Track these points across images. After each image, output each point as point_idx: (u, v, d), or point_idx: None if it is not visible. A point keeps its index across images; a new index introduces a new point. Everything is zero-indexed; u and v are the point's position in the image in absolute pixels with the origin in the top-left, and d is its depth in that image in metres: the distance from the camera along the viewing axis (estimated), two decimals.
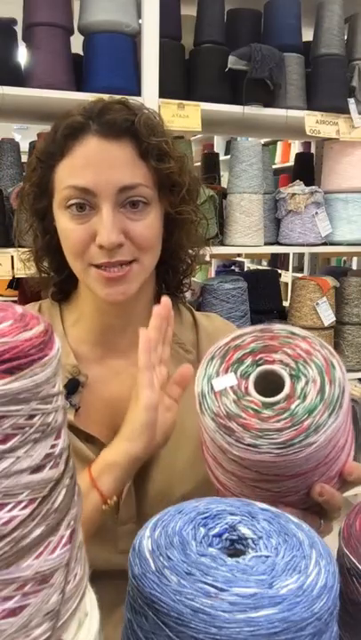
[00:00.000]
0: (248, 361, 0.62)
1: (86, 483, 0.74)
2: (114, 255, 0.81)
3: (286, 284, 4.58)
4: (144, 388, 0.72)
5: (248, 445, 0.56)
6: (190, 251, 0.96)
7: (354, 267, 3.91)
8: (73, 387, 0.87)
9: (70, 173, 0.82)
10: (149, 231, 0.85)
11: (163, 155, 0.85)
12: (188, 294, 1.11)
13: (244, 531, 0.47)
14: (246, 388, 0.60)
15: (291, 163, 4.06)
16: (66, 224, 0.83)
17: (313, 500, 0.61)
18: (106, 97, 0.90)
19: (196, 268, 1.00)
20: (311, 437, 0.55)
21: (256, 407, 0.58)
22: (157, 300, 0.96)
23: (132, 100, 0.90)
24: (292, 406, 0.57)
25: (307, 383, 0.58)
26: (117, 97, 0.89)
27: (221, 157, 3.33)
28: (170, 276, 0.96)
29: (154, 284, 0.95)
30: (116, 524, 0.85)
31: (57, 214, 0.85)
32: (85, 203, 0.81)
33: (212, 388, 0.61)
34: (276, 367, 0.60)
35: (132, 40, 1.83)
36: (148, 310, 0.94)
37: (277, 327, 0.64)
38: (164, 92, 1.84)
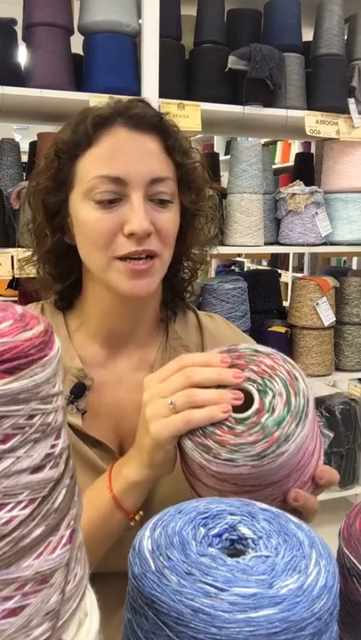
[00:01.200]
0: None
1: (107, 500, 0.74)
2: (142, 244, 0.81)
3: (286, 283, 4.58)
4: None
5: (225, 460, 0.59)
6: (196, 256, 0.96)
7: (354, 267, 3.91)
8: (79, 391, 0.86)
9: (100, 163, 0.81)
10: (173, 224, 0.85)
11: (186, 152, 0.87)
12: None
13: (244, 531, 0.47)
14: None
15: (291, 163, 4.06)
16: (90, 214, 0.81)
17: (290, 506, 0.63)
18: (109, 98, 0.90)
19: (198, 269, 1.00)
20: (283, 447, 0.59)
21: (230, 424, 0.62)
22: (163, 306, 0.96)
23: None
24: (263, 420, 0.60)
25: (274, 397, 0.62)
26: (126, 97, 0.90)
27: (221, 157, 3.34)
28: (177, 280, 0.96)
29: (161, 289, 0.95)
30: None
31: (77, 206, 0.83)
32: (115, 192, 0.80)
33: None
34: (245, 384, 0.64)
35: (132, 40, 1.83)
36: (153, 315, 0.94)
37: (242, 347, 0.68)
38: (164, 92, 1.84)
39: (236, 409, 0.63)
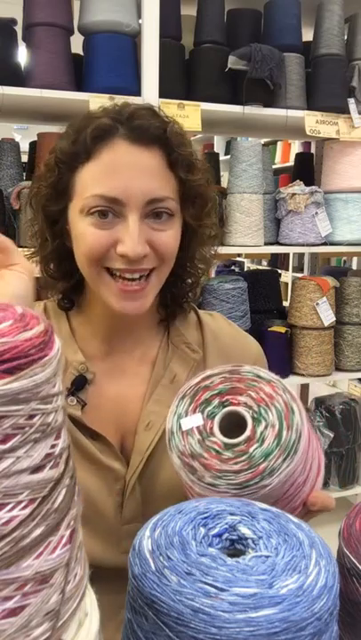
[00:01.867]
0: (215, 402, 0.65)
1: None
2: (136, 264, 0.80)
3: (286, 283, 4.58)
4: None
5: (208, 484, 0.60)
6: (199, 263, 0.95)
7: (354, 267, 3.91)
8: (80, 383, 0.87)
9: (97, 180, 0.79)
10: (172, 242, 0.83)
11: (191, 166, 0.84)
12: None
13: (244, 531, 0.47)
14: (211, 429, 0.63)
15: (291, 163, 4.06)
16: (86, 229, 0.81)
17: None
18: (116, 97, 0.88)
19: (202, 276, 0.98)
20: (266, 480, 0.58)
21: (218, 448, 0.62)
22: (162, 309, 0.96)
23: (155, 107, 0.88)
24: (251, 449, 0.60)
25: (266, 427, 0.61)
26: (142, 103, 0.87)
27: (221, 157, 3.33)
28: (177, 287, 0.95)
29: (158, 295, 0.93)
30: (121, 522, 0.86)
31: (74, 219, 0.83)
32: (109, 210, 0.79)
33: (180, 426, 0.65)
34: (241, 409, 0.64)
35: (132, 40, 1.83)
36: (152, 317, 0.94)
37: (245, 369, 0.67)
38: (164, 92, 1.84)
39: (229, 433, 0.62)
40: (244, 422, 0.62)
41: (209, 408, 0.65)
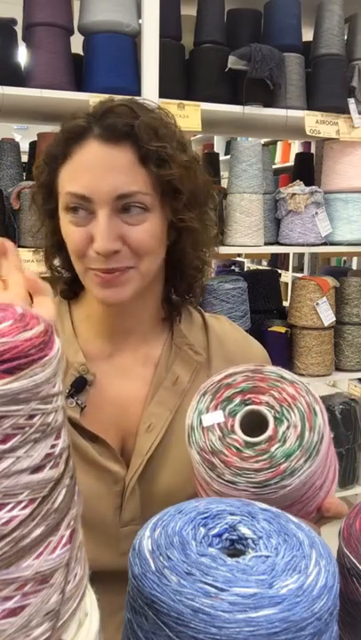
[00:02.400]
0: (237, 400, 0.65)
1: None
2: (109, 262, 0.81)
3: (286, 284, 4.58)
4: None
5: (227, 482, 0.60)
6: (196, 256, 0.94)
7: (354, 267, 3.91)
8: (80, 385, 0.87)
9: (70, 179, 0.82)
10: (146, 237, 0.83)
11: (163, 160, 0.83)
12: None
13: (244, 531, 0.47)
14: (232, 426, 0.63)
15: (291, 163, 4.06)
16: (67, 226, 0.84)
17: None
18: (117, 97, 0.89)
19: (206, 271, 0.98)
20: (286, 480, 0.58)
21: (239, 446, 0.62)
22: (165, 304, 0.96)
23: (148, 101, 0.89)
24: (272, 449, 0.60)
25: (288, 427, 0.61)
26: (125, 97, 0.89)
27: (221, 157, 3.33)
28: (177, 279, 0.95)
29: (160, 288, 0.94)
30: (119, 524, 0.85)
31: (61, 215, 0.86)
32: (79, 207, 0.81)
33: (200, 422, 0.65)
34: (263, 408, 0.64)
35: (132, 40, 1.83)
36: (154, 313, 0.94)
37: (268, 369, 0.67)
38: (164, 92, 1.84)
39: (249, 432, 0.62)
40: (265, 422, 0.62)
41: (230, 406, 0.65)
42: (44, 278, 0.97)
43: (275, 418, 0.62)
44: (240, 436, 0.62)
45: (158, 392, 0.89)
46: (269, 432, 0.61)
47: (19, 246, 1.76)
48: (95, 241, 0.80)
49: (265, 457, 0.60)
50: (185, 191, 0.85)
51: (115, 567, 0.70)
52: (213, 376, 0.69)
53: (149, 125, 0.82)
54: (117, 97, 0.90)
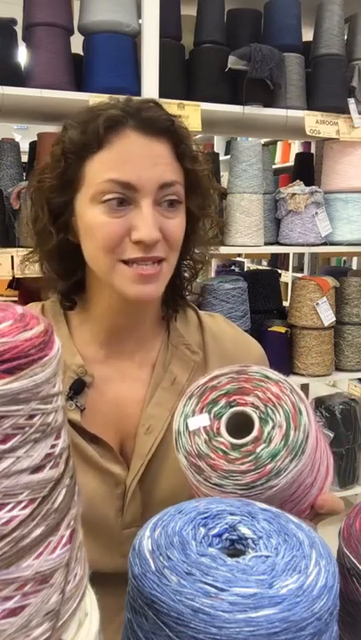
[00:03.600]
0: (222, 402, 0.65)
1: None
2: (150, 251, 0.80)
3: (286, 284, 4.58)
4: None
5: (214, 485, 0.59)
6: (199, 254, 0.96)
7: (354, 267, 3.91)
8: (79, 387, 0.86)
9: (110, 167, 0.80)
10: (180, 230, 0.85)
11: (196, 158, 0.87)
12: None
13: (244, 531, 0.47)
14: (218, 429, 0.63)
15: (291, 163, 4.06)
16: (98, 218, 0.81)
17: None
18: (109, 98, 0.88)
19: (200, 270, 0.99)
20: (272, 481, 0.58)
21: (225, 448, 0.61)
22: (164, 303, 0.95)
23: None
24: (258, 450, 0.60)
25: (273, 427, 0.61)
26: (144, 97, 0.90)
27: (221, 157, 3.33)
28: (178, 278, 0.95)
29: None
30: (121, 526, 0.85)
31: (84, 208, 0.83)
32: (124, 197, 0.80)
33: (187, 426, 0.64)
34: (248, 409, 0.63)
35: (132, 40, 1.83)
36: (155, 313, 0.94)
37: (253, 369, 0.67)
38: (164, 92, 1.84)
39: (236, 434, 0.62)
40: (252, 423, 0.62)
41: (216, 408, 0.65)
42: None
43: (260, 418, 0.62)
44: (226, 438, 0.62)
45: (157, 393, 0.89)
46: (255, 433, 0.61)
47: (18, 246, 1.76)
48: (138, 230, 0.79)
49: (251, 458, 0.59)
50: (210, 188, 0.90)
51: (115, 569, 0.70)
52: (198, 379, 0.69)
53: (182, 124, 0.86)
54: (121, 97, 0.89)
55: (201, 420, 0.64)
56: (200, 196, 0.89)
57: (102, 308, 0.90)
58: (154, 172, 0.80)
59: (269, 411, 0.62)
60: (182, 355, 0.92)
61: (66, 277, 0.92)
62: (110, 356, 0.91)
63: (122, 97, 0.87)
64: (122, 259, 0.81)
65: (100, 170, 0.81)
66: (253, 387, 0.65)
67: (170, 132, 0.83)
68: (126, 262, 0.81)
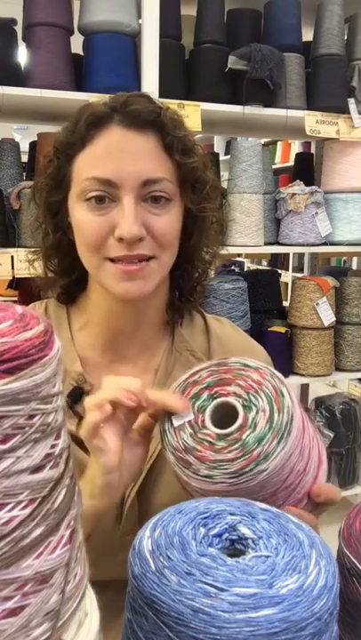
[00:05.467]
0: (204, 395, 0.65)
1: None
2: (134, 248, 0.79)
3: (286, 283, 4.58)
4: (103, 452, 0.67)
5: (204, 477, 0.59)
6: (206, 255, 0.94)
7: (354, 267, 3.91)
8: (78, 395, 0.84)
9: (91, 164, 0.80)
10: (170, 227, 0.82)
11: (187, 149, 0.83)
12: None
13: (244, 531, 0.47)
14: (203, 422, 0.63)
15: (291, 163, 4.06)
16: (83, 215, 0.80)
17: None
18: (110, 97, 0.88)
19: (209, 273, 0.97)
20: (261, 465, 0.57)
21: (211, 439, 0.61)
22: (169, 307, 0.93)
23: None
24: (244, 436, 0.60)
25: (257, 413, 0.61)
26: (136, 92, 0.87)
27: (221, 157, 3.33)
28: (184, 281, 0.94)
29: (167, 291, 0.92)
30: (119, 534, 0.84)
31: (73, 207, 0.83)
32: (106, 195, 0.79)
33: (171, 423, 0.64)
34: (231, 399, 0.63)
35: (132, 40, 1.83)
36: (158, 317, 0.92)
37: (232, 360, 0.67)
38: (164, 92, 1.84)
39: (222, 425, 0.62)
40: (236, 412, 0.62)
41: (198, 402, 0.65)
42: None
43: (243, 406, 0.62)
44: (211, 429, 0.62)
45: None
46: (240, 421, 0.61)
47: (18, 246, 1.76)
48: (119, 226, 0.78)
49: (237, 445, 0.59)
50: (206, 180, 0.86)
51: (112, 576, 0.69)
52: (179, 377, 0.69)
53: (172, 115, 0.83)
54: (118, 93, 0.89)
55: (184, 416, 0.64)
56: (196, 190, 0.86)
57: (101, 310, 0.89)
58: (135, 167, 0.78)
59: (252, 397, 0.62)
60: (186, 361, 0.90)
61: (66, 275, 0.92)
62: (113, 360, 0.90)
63: (116, 94, 0.85)
64: (107, 257, 0.80)
65: (83, 168, 0.80)
66: (234, 376, 0.65)
67: (156, 123, 0.81)
68: (112, 260, 0.80)
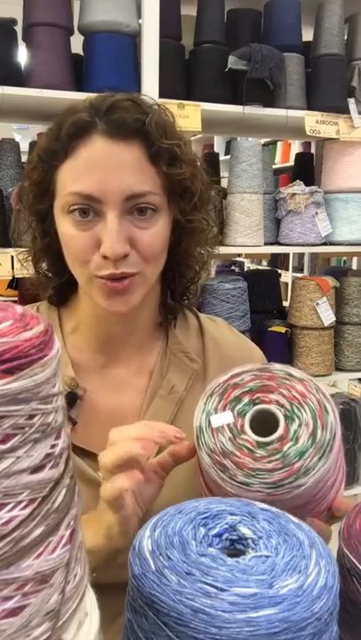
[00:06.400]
0: (246, 399, 0.64)
1: None
2: (119, 266, 0.77)
3: (286, 283, 4.58)
4: (122, 508, 0.67)
5: (240, 483, 0.59)
6: (198, 256, 0.92)
7: (354, 267, 3.91)
8: (70, 400, 0.83)
9: (74, 178, 0.77)
10: (156, 241, 0.80)
11: (174, 159, 0.80)
12: None
13: (244, 531, 0.47)
14: (242, 427, 0.62)
15: (291, 163, 4.06)
16: (68, 230, 0.78)
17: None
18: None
19: (202, 274, 0.95)
20: (301, 479, 0.57)
21: (250, 446, 0.60)
22: (162, 308, 0.92)
23: (143, 95, 0.84)
24: (285, 448, 0.59)
25: (300, 426, 0.60)
26: (126, 93, 0.82)
27: (221, 157, 3.33)
28: (176, 283, 0.92)
29: (158, 292, 0.91)
30: None
31: (58, 218, 0.81)
32: (89, 208, 0.76)
33: (209, 424, 0.63)
34: (272, 407, 0.62)
35: (132, 40, 1.83)
36: (151, 319, 0.91)
37: (276, 367, 0.66)
38: (164, 92, 1.84)
39: (260, 428, 0.61)
40: (274, 421, 0.61)
41: (239, 406, 0.63)
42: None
43: (285, 416, 0.61)
44: (251, 436, 0.61)
45: (153, 402, 0.86)
46: (280, 431, 0.60)
47: (17, 246, 1.76)
48: (103, 244, 0.75)
49: (278, 456, 0.58)
50: (194, 190, 0.83)
51: (111, 579, 0.69)
52: (219, 377, 0.67)
53: (159, 122, 0.79)
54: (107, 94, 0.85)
55: (225, 418, 0.63)
56: (185, 200, 0.83)
57: (92, 315, 0.87)
58: (119, 182, 0.75)
59: (295, 409, 0.61)
60: (180, 363, 0.89)
61: (56, 277, 0.91)
62: (106, 364, 0.89)
63: (102, 94, 0.82)
64: (95, 274, 0.78)
65: (66, 180, 0.78)
66: (277, 384, 0.64)
67: (140, 133, 0.77)
68: (100, 277, 0.79)
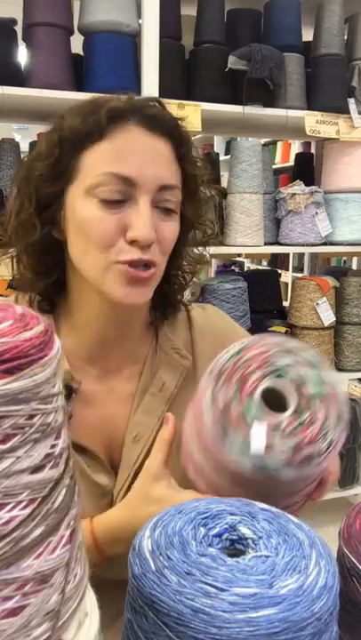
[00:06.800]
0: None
1: (87, 541, 0.73)
2: (145, 252, 0.76)
3: (286, 283, 4.58)
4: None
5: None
6: (190, 262, 0.93)
7: (354, 267, 3.91)
8: (66, 392, 0.82)
9: (111, 159, 0.76)
10: (174, 235, 0.82)
11: (195, 163, 0.84)
12: (187, 294, 1.09)
13: (244, 531, 0.47)
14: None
15: (291, 163, 4.06)
16: (92, 212, 0.76)
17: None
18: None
19: (191, 278, 0.95)
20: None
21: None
22: (153, 309, 0.92)
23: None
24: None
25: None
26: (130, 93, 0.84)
27: (221, 157, 3.33)
28: (168, 286, 0.91)
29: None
30: None
31: (77, 201, 0.77)
32: (121, 192, 0.76)
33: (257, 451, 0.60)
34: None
35: (132, 40, 1.83)
36: (142, 325, 0.90)
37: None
38: (164, 92, 1.83)
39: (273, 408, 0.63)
40: (283, 397, 0.65)
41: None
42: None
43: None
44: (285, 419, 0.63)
45: (144, 399, 0.86)
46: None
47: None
48: (134, 228, 0.75)
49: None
50: (206, 195, 0.87)
51: (111, 577, 0.68)
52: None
53: (184, 127, 0.84)
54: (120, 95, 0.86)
55: (259, 433, 0.61)
56: (197, 202, 0.87)
57: (87, 315, 0.85)
58: (156, 170, 0.77)
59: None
60: (171, 359, 0.89)
61: (44, 276, 0.85)
62: (99, 371, 0.87)
63: (123, 95, 0.82)
64: (117, 260, 0.76)
65: (99, 161, 0.76)
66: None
67: (173, 132, 0.80)
68: (124, 262, 0.77)
